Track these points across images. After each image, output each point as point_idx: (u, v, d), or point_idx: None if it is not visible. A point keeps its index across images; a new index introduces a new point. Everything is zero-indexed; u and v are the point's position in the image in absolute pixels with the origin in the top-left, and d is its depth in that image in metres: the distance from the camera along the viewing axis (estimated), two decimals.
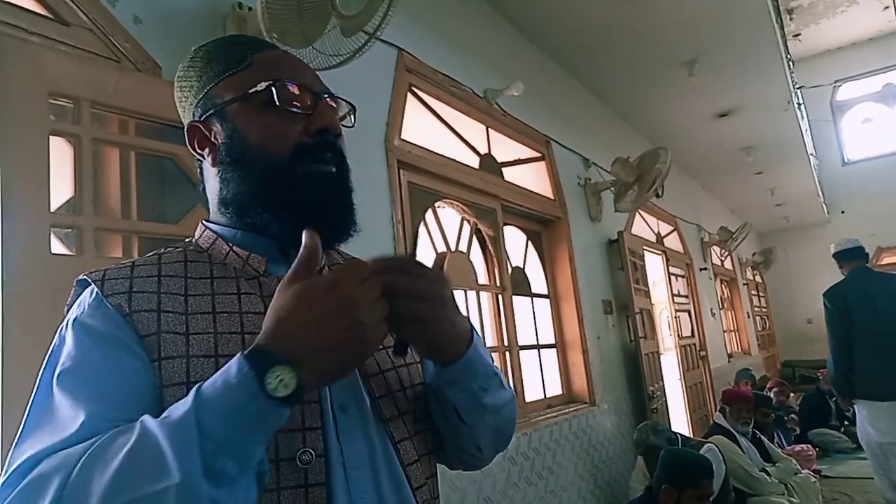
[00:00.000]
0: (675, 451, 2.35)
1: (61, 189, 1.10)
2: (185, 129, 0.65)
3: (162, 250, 0.63)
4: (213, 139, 0.62)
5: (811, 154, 6.71)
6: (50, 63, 1.09)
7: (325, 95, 0.63)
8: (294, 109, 0.60)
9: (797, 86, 5.54)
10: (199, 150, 0.64)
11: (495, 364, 0.66)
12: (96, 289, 0.55)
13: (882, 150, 9.48)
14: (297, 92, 0.61)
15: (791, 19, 8.03)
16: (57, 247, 1.07)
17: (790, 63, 4.78)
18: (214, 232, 0.64)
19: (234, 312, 0.57)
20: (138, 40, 1.29)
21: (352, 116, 0.68)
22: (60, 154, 1.10)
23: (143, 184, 1.23)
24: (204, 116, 0.63)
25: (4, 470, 0.47)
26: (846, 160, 9.76)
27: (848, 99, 9.91)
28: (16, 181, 1.00)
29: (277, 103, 0.60)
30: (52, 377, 0.51)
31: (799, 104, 5.59)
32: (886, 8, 8.01)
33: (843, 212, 9.39)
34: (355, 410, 0.58)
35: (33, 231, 1.01)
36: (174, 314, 0.55)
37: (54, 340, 0.54)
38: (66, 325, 0.54)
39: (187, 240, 0.66)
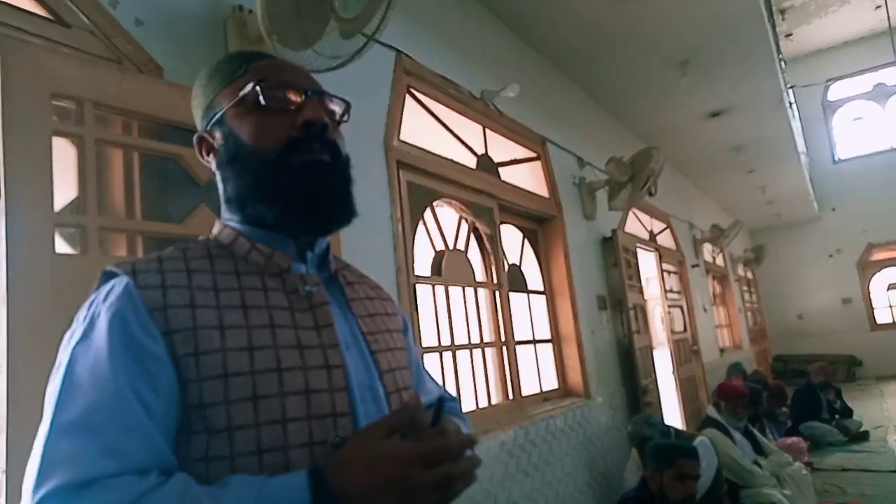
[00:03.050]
0: (656, 441, 2.52)
1: (65, 189, 1.11)
2: (195, 140, 0.70)
3: (185, 245, 0.65)
4: (215, 145, 0.67)
5: (802, 152, 6.77)
6: (52, 65, 1.09)
7: (311, 92, 0.65)
8: (280, 106, 0.64)
9: (789, 85, 5.59)
10: (206, 157, 0.69)
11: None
12: (128, 280, 0.57)
13: (873, 147, 9.56)
14: (281, 90, 0.64)
15: (783, 19, 8.09)
16: (61, 246, 1.08)
17: (782, 62, 4.82)
18: (234, 229, 0.66)
19: (262, 307, 0.60)
20: (139, 42, 1.29)
21: (346, 114, 0.70)
22: (64, 155, 1.10)
23: (147, 184, 1.24)
24: (208, 126, 0.68)
25: (41, 457, 0.49)
26: (837, 158, 9.84)
27: (839, 98, 9.98)
28: (20, 181, 1.00)
29: (263, 102, 0.63)
30: (81, 370, 0.52)
31: (790, 103, 5.63)
32: (878, 7, 8.08)
33: (833, 209, 9.47)
34: (372, 402, 0.63)
35: (37, 231, 1.01)
36: (207, 309, 0.57)
37: (77, 327, 0.56)
38: (93, 319, 0.55)
39: (203, 237, 0.69)
